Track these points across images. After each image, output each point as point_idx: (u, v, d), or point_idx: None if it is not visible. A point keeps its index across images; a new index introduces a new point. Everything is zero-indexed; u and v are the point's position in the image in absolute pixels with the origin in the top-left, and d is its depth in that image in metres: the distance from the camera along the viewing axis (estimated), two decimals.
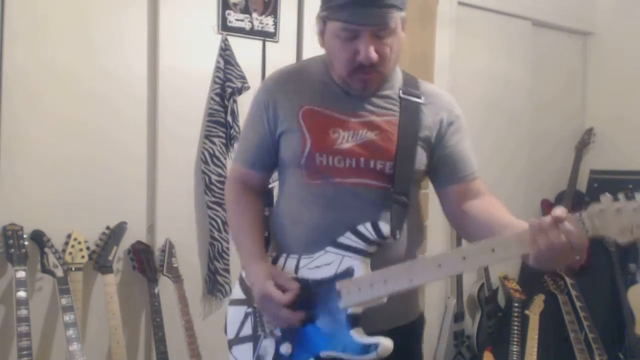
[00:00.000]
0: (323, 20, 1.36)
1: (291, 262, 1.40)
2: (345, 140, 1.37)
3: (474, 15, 3.28)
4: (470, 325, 3.32)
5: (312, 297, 1.34)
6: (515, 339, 2.93)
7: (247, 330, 1.44)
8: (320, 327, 1.33)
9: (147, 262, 2.29)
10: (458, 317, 3.22)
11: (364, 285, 1.27)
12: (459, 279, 3.21)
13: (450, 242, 3.16)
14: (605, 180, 3.62)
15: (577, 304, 3.14)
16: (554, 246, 1.05)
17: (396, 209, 1.38)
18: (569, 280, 3.23)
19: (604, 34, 3.78)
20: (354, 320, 1.30)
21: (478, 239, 1.20)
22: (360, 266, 1.31)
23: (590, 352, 3.01)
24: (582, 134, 3.71)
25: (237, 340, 1.46)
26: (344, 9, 1.28)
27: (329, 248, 1.35)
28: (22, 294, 1.93)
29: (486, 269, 3.31)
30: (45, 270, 2.05)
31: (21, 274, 1.96)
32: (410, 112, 1.40)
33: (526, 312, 3.01)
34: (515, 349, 2.91)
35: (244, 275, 1.49)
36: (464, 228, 1.41)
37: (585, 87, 3.87)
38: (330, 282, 1.33)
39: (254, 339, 1.43)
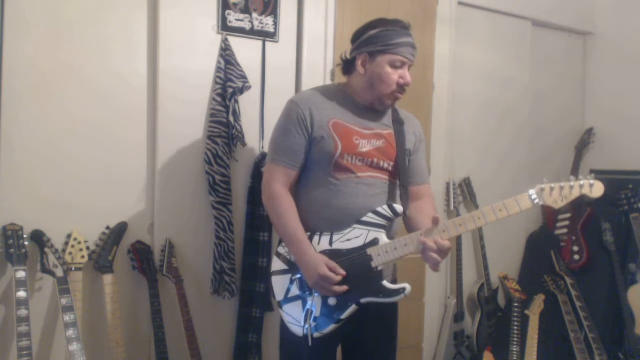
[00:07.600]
0: (370, 54, 1.86)
1: (325, 238, 1.84)
2: (364, 146, 1.87)
3: (474, 15, 3.28)
4: (470, 325, 3.31)
5: (348, 262, 1.80)
6: (515, 339, 2.93)
7: (295, 292, 1.85)
8: (358, 282, 1.79)
9: (147, 262, 2.29)
10: (458, 317, 3.22)
11: (390, 249, 1.80)
12: (459, 279, 3.21)
13: None
14: (605, 180, 3.60)
15: (577, 304, 3.14)
16: (429, 257, 1.76)
17: (403, 194, 1.94)
18: (569, 280, 3.23)
19: (604, 34, 3.79)
20: (384, 274, 1.82)
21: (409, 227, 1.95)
22: (382, 237, 1.82)
23: (590, 352, 3.02)
24: (582, 134, 3.72)
25: (287, 300, 1.86)
26: (402, 47, 1.83)
27: (355, 225, 1.83)
28: (22, 294, 1.93)
29: (486, 269, 3.32)
30: (45, 270, 2.05)
31: (21, 274, 1.96)
32: (399, 129, 1.96)
33: (526, 312, 3.01)
34: (515, 349, 2.91)
35: (282, 251, 1.89)
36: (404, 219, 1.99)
37: (585, 87, 3.87)
38: (361, 249, 1.81)
39: (302, 297, 1.84)
